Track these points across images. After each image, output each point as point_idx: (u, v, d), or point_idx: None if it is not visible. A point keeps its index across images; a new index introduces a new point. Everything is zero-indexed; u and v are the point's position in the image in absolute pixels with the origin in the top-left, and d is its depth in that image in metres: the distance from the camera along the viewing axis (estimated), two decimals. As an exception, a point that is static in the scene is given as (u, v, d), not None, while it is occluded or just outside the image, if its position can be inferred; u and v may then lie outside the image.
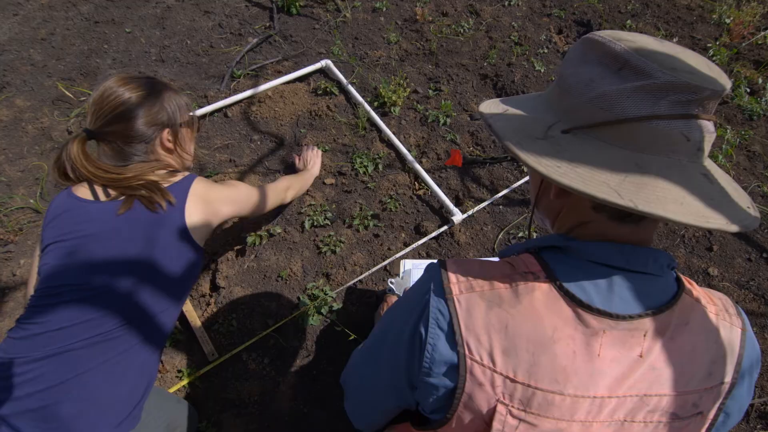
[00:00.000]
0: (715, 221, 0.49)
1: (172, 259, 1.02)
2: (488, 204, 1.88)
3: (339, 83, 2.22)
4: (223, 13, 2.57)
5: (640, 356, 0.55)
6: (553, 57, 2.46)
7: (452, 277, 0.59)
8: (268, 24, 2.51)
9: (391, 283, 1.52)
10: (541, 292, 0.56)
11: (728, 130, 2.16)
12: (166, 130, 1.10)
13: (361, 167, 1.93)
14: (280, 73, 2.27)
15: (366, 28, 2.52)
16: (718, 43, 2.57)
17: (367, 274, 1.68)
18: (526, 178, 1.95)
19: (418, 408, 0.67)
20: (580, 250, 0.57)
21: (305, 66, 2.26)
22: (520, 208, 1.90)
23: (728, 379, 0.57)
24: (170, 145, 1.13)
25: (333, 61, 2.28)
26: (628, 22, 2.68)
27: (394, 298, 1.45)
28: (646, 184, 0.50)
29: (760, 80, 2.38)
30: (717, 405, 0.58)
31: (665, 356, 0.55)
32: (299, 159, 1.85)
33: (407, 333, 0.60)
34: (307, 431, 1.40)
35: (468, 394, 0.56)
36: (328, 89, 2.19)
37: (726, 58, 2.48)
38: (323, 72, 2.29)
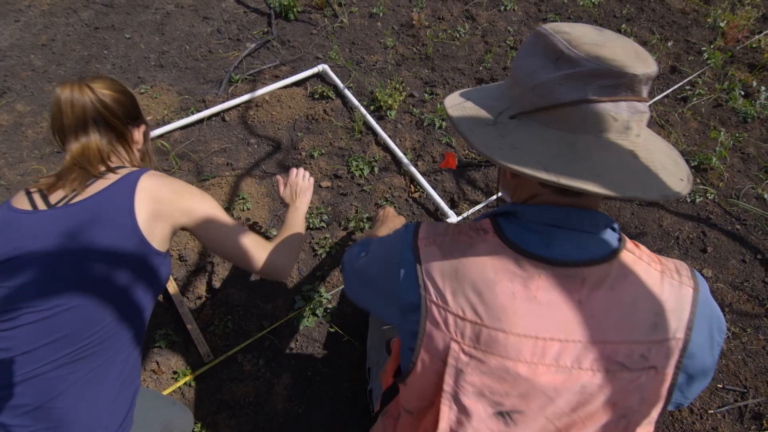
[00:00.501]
0: (631, 191, 0.55)
1: (127, 268, 0.92)
2: (483, 206, 1.90)
3: (336, 87, 2.24)
4: (222, 18, 2.60)
5: (579, 302, 0.59)
6: (549, 61, 2.48)
7: (421, 233, 0.68)
8: (266, 29, 2.54)
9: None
10: (488, 243, 0.64)
11: (722, 133, 2.17)
12: (143, 126, 1.14)
13: (357, 170, 1.95)
14: (277, 78, 2.29)
15: (363, 33, 2.55)
16: (712, 46, 2.59)
17: (362, 275, 1.69)
18: (521, 181, 1.97)
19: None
20: (526, 212, 0.64)
21: (302, 71, 2.28)
22: (515, 210, 1.91)
23: (680, 335, 0.60)
24: (140, 140, 1.13)
25: (330, 66, 2.31)
26: (623, 26, 2.70)
27: None
28: (574, 160, 0.57)
29: (755, 83, 2.39)
30: (673, 363, 0.60)
31: (605, 305, 0.59)
32: (284, 185, 1.40)
33: (384, 277, 0.70)
34: (301, 432, 1.41)
35: (428, 334, 0.63)
36: (324, 93, 2.21)
37: (720, 61, 2.50)
38: (320, 76, 2.31)
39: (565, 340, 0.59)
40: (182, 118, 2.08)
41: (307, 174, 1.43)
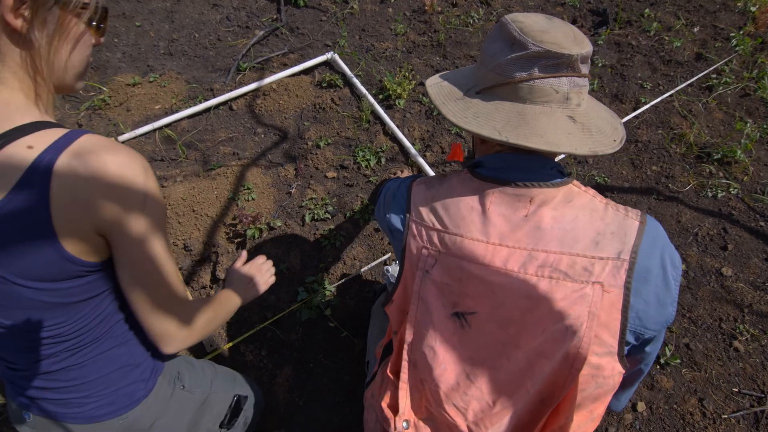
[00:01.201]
0: (565, 148, 0.67)
1: (42, 286, 0.66)
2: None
3: (344, 76, 2.20)
4: (231, 5, 2.57)
5: (525, 216, 0.70)
6: (566, 48, 2.39)
7: (417, 180, 0.85)
8: (275, 16, 2.50)
9: (387, 270, 1.50)
10: (460, 176, 0.79)
11: (749, 124, 2.06)
12: None
13: (363, 161, 1.92)
14: (285, 66, 2.26)
15: (373, 20, 2.49)
16: (741, 32, 2.45)
17: (366, 268, 1.67)
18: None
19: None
20: (489, 160, 0.78)
21: (311, 58, 2.24)
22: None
23: (625, 256, 0.65)
24: (17, 23, 0.60)
25: (339, 54, 2.26)
26: (647, 11, 2.58)
27: None
28: (522, 125, 0.70)
29: (786, 71, 2.26)
30: (620, 282, 0.65)
31: (548, 220, 0.69)
32: (243, 262, 1.14)
33: (389, 205, 0.87)
34: (301, 424, 1.41)
35: (408, 247, 0.78)
36: (332, 82, 2.17)
37: (750, 48, 2.37)
38: (329, 64, 2.27)
39: (512, 247, 0.69)
40: (190, 106, 2.08)
41: (273, 270, 1.16)
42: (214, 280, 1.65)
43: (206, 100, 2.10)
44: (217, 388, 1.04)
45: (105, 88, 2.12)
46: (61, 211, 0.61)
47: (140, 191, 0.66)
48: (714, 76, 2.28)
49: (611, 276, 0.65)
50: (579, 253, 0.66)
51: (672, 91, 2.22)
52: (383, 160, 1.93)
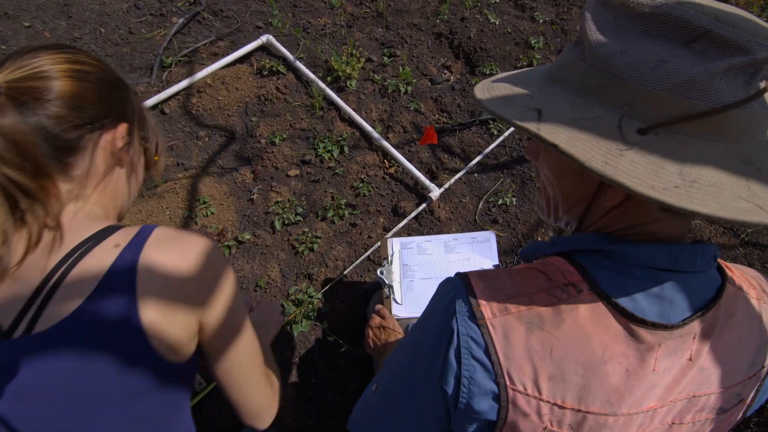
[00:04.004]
0: None
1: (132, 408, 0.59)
2: (464, 173, 1.81)
3: (285, 60, 2.02)
4: (137, -9, 2.24)
5: (690, 360, 0.51)
6: (506, 7, 2.34)
7: (481, 296, 0.52)
8: (192, 0, 2.22)
9: (381, 273, 1.43)
10: (587, 307, 0.50)
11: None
12: (122, 126, 0.63)
13: (325, 153, 1.79)
14: (216, 56, 2.03)
15: (304, -6, 2.29)
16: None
17: (351, 268, 1.59)
18: (498, 141, 1.88)
19: None
20: (626, 254, 0.50)
21: (244, 45, 2.03)
22: (495, 173, 1.84)
23: (767, 363, 0.56)
24: (122, 154, 0.65)
25: (274, 36, 2.06)
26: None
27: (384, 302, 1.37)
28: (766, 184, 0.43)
29: None
30: (756, 388, 0.57)
31: (713, 355, 0.52)
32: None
33: (437, 367, 0.53)
34: (315, 443, 1.34)
35: (511, 424, 0.51)
36: (274, 68, 1.98)
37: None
38: (265, 49, 2.07)
39: (673, 401, 0.52)
40: (114, 116, 1.81)
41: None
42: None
43: (132, 106, 1.84)
44: None
45: (3, 108, 1.79)
46: (147, 285, 0.56)
47: (227, 270, 0.65)
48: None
49: (751, 388, 0.56)
50: (737, 382, 0.54)
51: None
52: (346, 149, 1.82)
